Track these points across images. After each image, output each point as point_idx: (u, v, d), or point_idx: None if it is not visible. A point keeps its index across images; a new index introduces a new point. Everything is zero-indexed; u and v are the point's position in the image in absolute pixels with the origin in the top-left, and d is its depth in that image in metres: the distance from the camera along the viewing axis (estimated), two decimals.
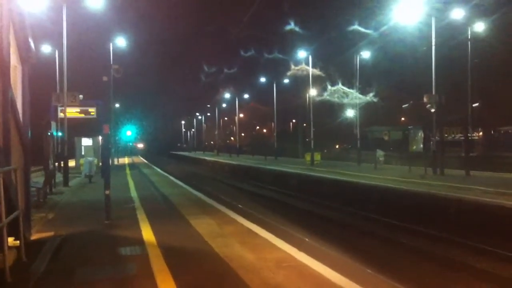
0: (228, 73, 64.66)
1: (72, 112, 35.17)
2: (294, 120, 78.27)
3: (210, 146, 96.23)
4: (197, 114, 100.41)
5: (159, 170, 36.19)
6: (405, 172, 23.68)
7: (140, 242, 8.73)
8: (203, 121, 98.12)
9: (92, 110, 39.85)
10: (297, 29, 41.16)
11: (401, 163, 30.07)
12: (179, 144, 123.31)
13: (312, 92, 37.80)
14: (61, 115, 25.18)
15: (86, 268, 7.03)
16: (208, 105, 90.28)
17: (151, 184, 22.17)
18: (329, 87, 35.24)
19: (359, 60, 34.13)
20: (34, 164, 12.60)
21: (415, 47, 32.50)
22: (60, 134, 25.67)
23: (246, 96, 71.42)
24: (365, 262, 9.90)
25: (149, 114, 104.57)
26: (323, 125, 46.68)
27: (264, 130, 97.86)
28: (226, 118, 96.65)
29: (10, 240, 6.91)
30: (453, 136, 44.07)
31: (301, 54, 38.37)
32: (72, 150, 34.51)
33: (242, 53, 53.99)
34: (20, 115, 8.73)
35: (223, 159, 53.28)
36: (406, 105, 55.11)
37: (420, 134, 36.49)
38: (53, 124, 26.03)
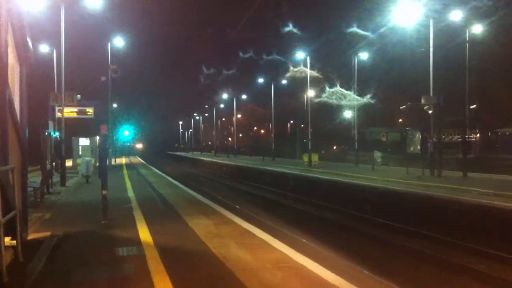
0: (227, 74, 64.52)
1: (70, 112, 35.22)
2: (292, 121, 78.31)
3: (208, 147, 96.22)
4: (195, 114, 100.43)
5: (156, 170, 36.13)
6: (403, 173, 23.70)
7: (137, 242, 8.71)
8: (201, 121, 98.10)
9: (90, 110, 39.82)
10: (295, 30, 41.09)
11: (399, 164, 30.10)
12: (177, 145, 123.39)
13: (310, 93, 37.81)
14: (58, 115, 25.16)
15: (82, 268, 7.02)
16: (206, 106, 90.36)
17: (148, 185, 22.14)
18: (327, 88, 35.24)
19: (357, 62, 34.20)
20: (31, 163, 12.55)
21: (413, 49, 32.57)
22: (57, 134, 25.64)
23: (244, 97, 71.39)
24: (362, 263, 9.92)
25: (147, 114, 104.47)
26: (321, 127, 46.68)
27: (262, 131, 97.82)
28: (224, 119, 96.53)
29: (7, 240, 6.88)
30: (450, 137, 44.17)
31: (300, 55, 38.34)
32: (69, 150, 34.44)
33: (240, 54, 53.88)
34: (18, 115, 8.70)
35: (220, 159, 53.24)
36: (404, 106, 55.17)
37: (418, 135, 36.52)
38: (51, 124, 26.01)
